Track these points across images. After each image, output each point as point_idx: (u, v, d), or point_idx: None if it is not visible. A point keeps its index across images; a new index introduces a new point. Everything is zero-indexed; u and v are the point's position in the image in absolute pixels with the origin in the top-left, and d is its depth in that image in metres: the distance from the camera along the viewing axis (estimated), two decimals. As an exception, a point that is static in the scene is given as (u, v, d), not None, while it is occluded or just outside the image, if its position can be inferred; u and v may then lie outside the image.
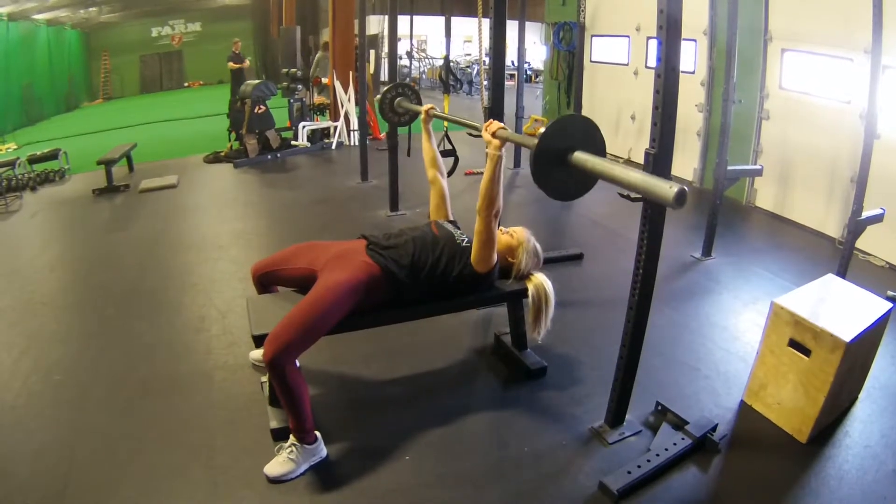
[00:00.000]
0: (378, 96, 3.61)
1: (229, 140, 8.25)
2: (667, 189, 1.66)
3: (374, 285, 2.41)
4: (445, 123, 5.05)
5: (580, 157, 1.91)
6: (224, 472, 2.32)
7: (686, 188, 1.65)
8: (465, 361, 3.14)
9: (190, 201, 6.19)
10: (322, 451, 2.37)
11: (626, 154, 7.96)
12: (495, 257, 2.54)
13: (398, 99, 3.52)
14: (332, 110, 9.31)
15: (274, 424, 2.51)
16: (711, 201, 4.41)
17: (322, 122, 9.16)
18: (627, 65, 7.80)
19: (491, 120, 2.43)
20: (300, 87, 9.08)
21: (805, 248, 4.88)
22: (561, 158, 1.93)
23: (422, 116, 3.17)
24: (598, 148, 2.04)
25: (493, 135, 2.39)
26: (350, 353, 3.11)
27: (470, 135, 4.01)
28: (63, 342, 3.35)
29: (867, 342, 2.57)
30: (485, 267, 2.52)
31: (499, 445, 2.50)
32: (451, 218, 2.97)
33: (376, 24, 13.11)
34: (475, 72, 17.09)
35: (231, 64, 12.39)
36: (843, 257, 3.81)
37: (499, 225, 2.62)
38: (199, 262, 4.51)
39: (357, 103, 8.22)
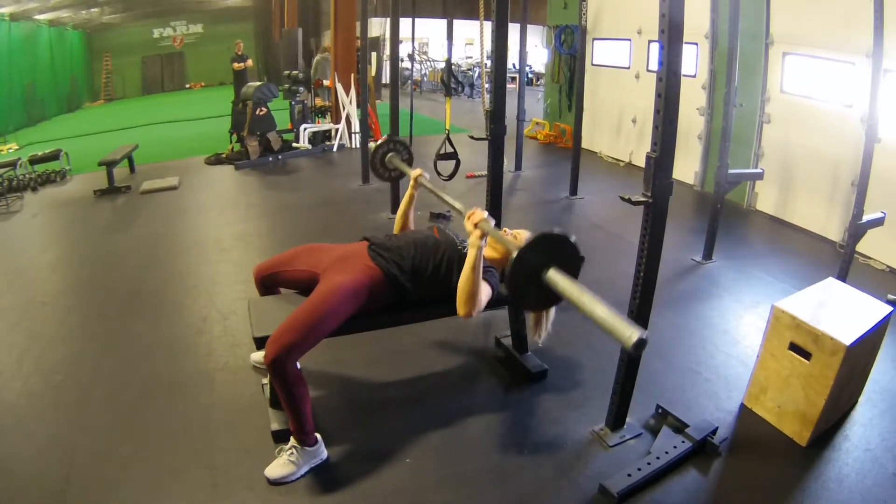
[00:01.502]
0: (372, 144, 3.56)
1: (230, 142, 8.26)
2: (628, 335, 1.63)
3: (376, 288, 2.41)
4: (447, 126, 5.06)
5: (553, 277, 1.93)
6: (224, 474, 2.32)
7: (645, 338, 1.62)
8: (466, 364, 3.14)
9: (191, 203, 6.19)
10: (323, 453, 2.37)
11: (627, 157, 7.97)
12: (481, 307, 2.39)
13: (390, 154, 3.50)
14: (334, 113, 9.32)
15: (275, 426, 2.51)
16: (712, 205, 4.42)
17: (323, 125, 9.17)
18: (629, 68, 7.82)
19: (475, 208, 2.32)
20: (301, 89, 9.09)
21: (806, 252, 4.88)
22: (536, 274, 1.95)
23: (410, 182, 3.03)
24: (574, 267, 2.05)
25: (475, 225, 2.26)
26: (351, 356, 3.12)
27: (471, 137, 4.01)
28: (64, 343, 3.35)
29: (867, 346, 2.57)
30: (465, 315, 2.38)
31: (499, 448, 2.50)
32: (412, 227, 2.96)
33: (378, 26, 13.11)
34: (477, 75, 17.10)
35: (235, 65, 12.42)
36: (843, 261, 3.81)
37: (502, 227, 2.62)
38: (201, 263, 4.51)
39: (358, 106, 8.23)
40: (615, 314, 1.70)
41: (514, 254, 1.92)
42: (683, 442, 2.44)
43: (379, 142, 3.45)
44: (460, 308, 2.31)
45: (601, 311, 1.74)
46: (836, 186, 5.10)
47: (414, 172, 3.03)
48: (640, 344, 1.62)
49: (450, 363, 3.14)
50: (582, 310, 1.80)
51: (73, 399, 2.81)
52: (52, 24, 15.61)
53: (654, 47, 2.17)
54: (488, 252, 2.64)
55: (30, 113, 13.42)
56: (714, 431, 2.49)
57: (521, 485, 2.29)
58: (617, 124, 8.13)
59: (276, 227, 5.48)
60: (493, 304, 2.91)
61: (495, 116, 3.34)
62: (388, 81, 6.15)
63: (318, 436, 2.37)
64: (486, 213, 2.28)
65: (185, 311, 3.71)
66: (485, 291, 2.36)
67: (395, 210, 5.49)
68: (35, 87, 13.99)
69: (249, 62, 12.71)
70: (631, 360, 2.43)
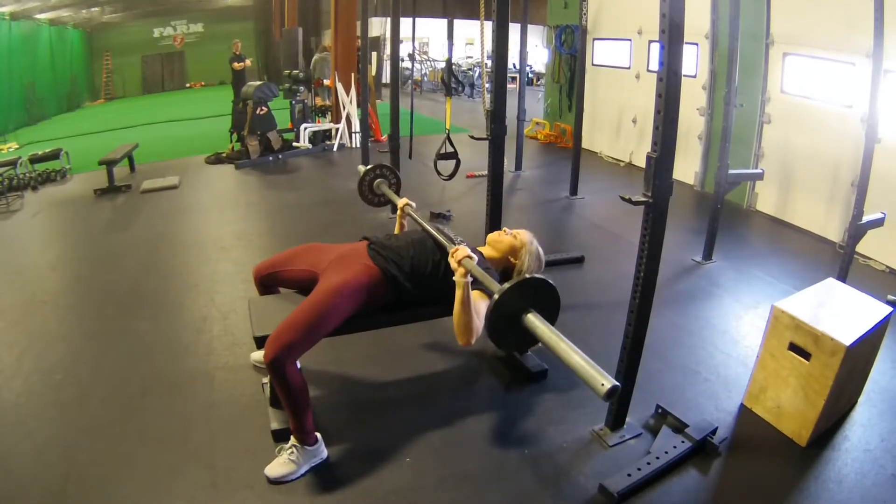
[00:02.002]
0: (361, 168, 3.60)
1: (231, 141, 8.26)
2: (599, 385, 1.70)
3: (376, 287, 2.41)
4: (447, 125, 5.06)
5: (531, 321, 1.98)
6: (224, 473, 2.32)
7: (618, 386, 1.69)
8: (466, 364, 3.14)
9: (191, 202, 6.19)
10: (322, 452, 2.37)
11: (627, 157, 7.97)
12: (481, 327, 2.39)
13: (378, 181, 3.52)
14: (334, 112, 9.33)
15: (275, 425, 2.52)
16: (712, 205, 4.42)
17: (324, 124, 9.17)
18: (629, 68, 7.82)
19: (457, 246, 2.33)
20: (302, 88, 9.09)
21: (806, 252, 4.88)
22: (515, 316, 2.01)
23: (398, 211, 3.05)
24: (552, 311, 2.12)
25: (459, 262, 2.28)
26: (351, 355, 3.12)
27: (472, 137, 4.02)
28: (64, 341, 3.35)
29: (867, 346, 2.58)
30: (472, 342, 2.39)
31: (499, 447, 2.50)
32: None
33: (378, 26, 13.11)
34: (477, 74, 17.10)
35: (235, 65, 12.42)
36: (843, 261, 3.82)
37: (502, 227, 2.62)
38: (201, 262, 4.52)
39: (359, 105, 8.23)
40: (589, 363, 1.77)
41: (496, 296, 1.99)
42: (683, 442, 2.45)
43: (367, 167, 3.48)
44: (458, 338, 2.34)
45: (576, 359, 1.80)
46: (836, 187, 5.10)
47: (400, 202, 3.06)
48: (612, 392, 1.68)
49: (450, 362, 3.14)
50: (558, 356, 1.86)
51: (73, 398, 2.81)
52: (52, 24, 15.61)
53: (655, 47, 2.17)
54: (488, 252, 2.64)
55: (30, 112, 13.42)
56: (714, 431, 2.49)
57: (521, 484, 2.29)
58: (617, 124, 8.13)
59: (276, 227, 5.48)
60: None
61: (495, 116, 3.34)
62: (388, 81, 6.15)
63: (318, 435, 2.37)
64: (469, 250, 2.30)
65: (185, 311, 3.71)
66: (482, 308, 2.35)
67: (395, 210, 5.48)
68: (35, 86, 13.99)
69: (248, 62, 12.71)
70: (631, 360, 2.43)
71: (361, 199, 3.58)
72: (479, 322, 2.33)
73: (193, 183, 6.96)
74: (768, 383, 2.65)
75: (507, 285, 2.01)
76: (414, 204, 3.04)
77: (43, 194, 6.59)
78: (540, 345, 2.02)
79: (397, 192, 3.57)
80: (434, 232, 2.60)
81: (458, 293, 2.28)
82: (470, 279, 2.28)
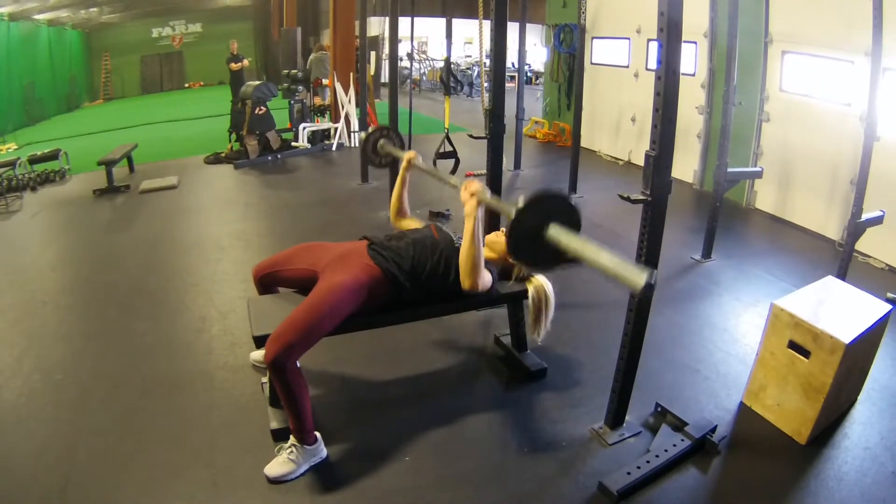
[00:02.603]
0: (363, 133, 3.56)
1: (230, 141, 8.26)
2: (636, 279, 1.62)
3: (375, 287, 2.41)
4: (446, 124, 5.06)
5: (554, 233, 1.91)
6: (224, 473, 2.32)
7: (654, 281, 1.62)
8: (466, 363, 3.14)
9: (190, 202, 6.19)
10: (322, 451, 2.38)
11: (626, 156, 7.97)
12: (483, 281, 2.46)
13: (381, 141, 3.49)
14: (333, 112, 9.32)
15: (274, 425, 2.52)
16: (711, 203, 4.42)
17: (323, 124, 9.17)
18: (628, 67, 7.82)
19: (470, 179, 2.35)
20: (301, 88, 9.08)
21: (805, 250, 4.88)
22: (536, 233, 1.93)
23: (402, 164, 3.00)
24: (574, 223, 2.01)
25: (471, 195, 2.30)
26: (351, 354, 3.12)
27: (470, 136, 4.02)
28: (64, 342, 3.35)
29: (866, 344, 2.58)
30: (471, 287, 2.45)
31: (499, 446, 2.50)
32: (409, 213, 3.02)
33: (377, 25, 13.10)
34: (476, 74, 17.10)
35: (232, 65, 12.41)
36: (842, 259, 3.82)
37: (500, 227, 2.62)
38: (200, 262, 4.52)
39: (357, 105, 8.23)
40: (621, 260, 1.69)
41: (512, 214, 1.91)
42: (683, 440, 2.45)
43: (370, 129, 3.45)
44: (465, 280, 2.37)
45: (606, 258, 1.72)
46: (835, 185, 5.10)
47: (407, 154, 3.02)
48: (649, 287, 1.61)
49: (449, 362, 3.14)
50: (587, 260, 1.78)
51: (73, 398, 2.81)
52: (51, 24, 15.59)
53: (653, 46, 2.17)
54: (486, 253, 2.64)
55: (29, 112, 13.41)
56: (713, 430, 2.50)
57: (521, 483, 2.29)
58: (616, 123, 8.13)
59: (276, 227, 5.48)
60: (492, 302, 2.93)
61: (494, 115, 3.34)
62: (387, 80, 6.15)
63: (318, 434, 2.37)
64: (482, 184, 2.32)
65: (184, 311, 3.71)
66: (488, 278, 2.40)
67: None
68: (34, 87, 13.99)
69: (246, 62, 12.71)
70: (630, 358, 2.43)
71: (366, 161, 3.52)
72: (486, 277, 2.40)
73: (192, 183, 6.96)
74: (768, 381, 2.65)
75: (522, 202, 1.94)
76: (420, 157, 3.03)
77: (42, 195, 6.58)
78: (567, 260, 1.91)
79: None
80: (443, 175, 2.61)
81: (469, 227, 2.30)
82: (481, 213, 2.31)
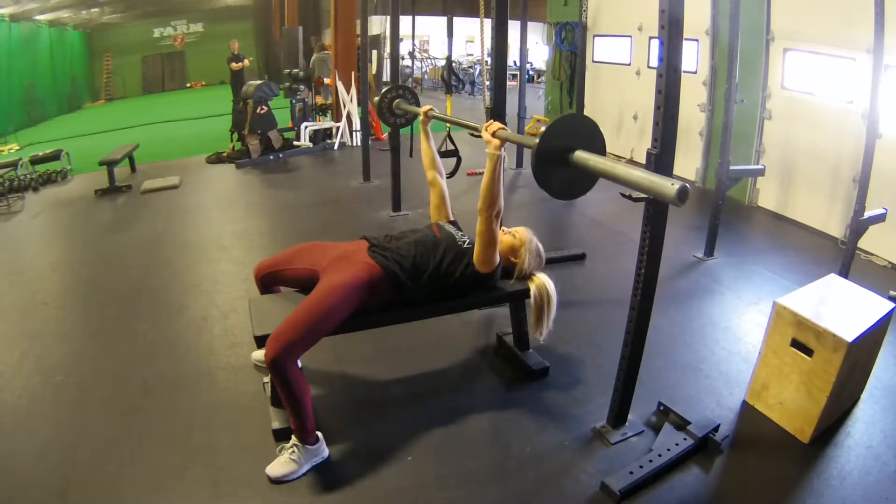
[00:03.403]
0: (377, 98, 3.59)
1: (231, 140, 8.26)
2: (668, 186, 1.68)
3: (376, 286, 2.41)
4: (448, 124, 5.05)
5: (581, 156, 1.90)
6: (226, 473, 2.32)
7: (688, 185, 1.66)
8: (468, 362, 3.14)
9: (192, 202, 6.20)
10: (324, 451, 2.37)
11: (628, 154, 7.95)
12: (498, 257, 2.54)
13: (397, 101, 3.51)
14: (335, 111, 9.32)
15: (276, 425, 2.51)
16: (714, 201, 4.41)
17: (324, 123, 9.17)
18: (629, 65, 7.80)
19: (491, 120, 2.43)
20: (302, 87, 9.09)
21: (807, 248, 4.87)
22: (562, 157, 1.91)
23: (420, 118, 3.15)
24: (599, 147, 2.02)
25: (493, 134, 2.40)
26: (352, 354, 3.12)
27: (472, 135, 4.01)
28: (65, 342, 3.35)
29: (869, 342, 2.57)
30: (488, 267, 2.52)
31: (501, 446, 2.50)
32: (452, 218, 2.98)
33: (378, 24, 13.11)
34: (477, 72, 17.09)
35: (233, 65, 12.42)
36: (845, 257, 3.81)
37: (501, 225, 2.62)
38: (202, 262, 4.52)
39: (359, 104, 8.23)
40: (651, 174, 1.76)
41: (537, 141, 1.92)
42: (685, 439, 2.44)
43: (384, 90, 3.49)
44: (482, 208, 2.43)
45: (638, 174, 1.79)
46: (837, 183, 5.09)
47: (423, 108, 3.15)
48: (683, 192, 1.65)
49: (451, 361, 3.14)
50: (618, 177, 1.82)
51: (75, 399, 2.81)
52: (52, 25, 15.62)
53: (655, 44, 2.16)
54: None
55: (30, 113, 13.44)
56: (716, 428, 2.49)
57: (523, 482, 2.28)
58: (618, 121, 8.11)
59: (277, 226, 5.48)
60: (494, 301, 2.92)
61: (496, 114, 3.33)
62: (388, 79, 6.14)
63: (320, 434, 2.37)
64: (501, 123, 2.41)
65: (185, 311, 3.71)
66: (498, 236, 2.50)
67: (396, 208, 5.50)
68: (35, 88, 14.02)
69: (247, 62, 12.71)
70: (632, 357, 2.42)
71: (382, 121, 3.56)
72: (501, 203, 2.47)
73: (194, 183, 6.96)
74: (770, 380, 2.64)
75: (544, 129, 1.94)
76: (437, 109, 3.16)
77: (44, 195, 6.59)
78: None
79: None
80: (461, 120, 2.67)
81: (490, 166, 2.40)
82: (503, 152, 2.41)
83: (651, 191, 1.72)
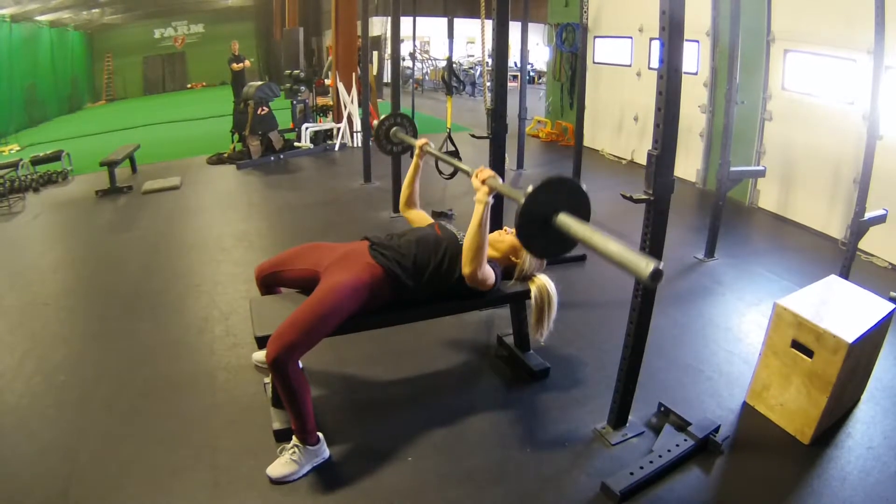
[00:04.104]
0: (376, 122, 3.58)
1: (232, 141, 8.27)
2: (643, 266, 1.63)
3: (377, 287, 2.41)
4: (449, 124, 5.06)
5: (563, 220, 1.91)
6: (227, 473, 2.32)
7: (661, 268, 1.62)
8: (468, 363, 3.14)
9: (193, 203, 6.20)
10: (325, 452, 2.38)
11: (629, 155, 7.96)
12: (493, 279, 2.51)
13: (394, 129, 3.50)
14: (335, 112, 9.33)
15: (276, 425, 2.51)
16: (714, 202, 4.41)
17: (325, 124, 9.18)
18: (630, 66, 7.81)
19: (482, 167, 2.38)
20: (303, 88, 9.09)
21: (808, 249, 4.87)
22: (545, 219, 1.93)
23: (415, 151, 3.05)
24: (583, 211, 2.01)
25: (483, 182, 2.32)
26: (353, 354, 3.12)
27: (473, 136, 4.01)
28: (66, 343, 3.36)
29: (870, 343, 2.57)
30: (485, 289, 2.52)
31: (501, 446, 2.50)
32: (418, 204, 3.03)
33: (379, 25, 13.12)
34: (478, 73, 17.10)
35: (234, 66, 12.42)
36: (845, 258, 3.81)
37: (503, 226, 2.62)
38: (203, 263, 4.52)
39: (360, 105, 8.23)
40: (629, 249, 1.70)
41: (522, 199, 1.91)
42: (686, 440, 2.44)
43: (383, 116, 3.47)
44: (466, 265, 2.37)
45: (615, 248, 1.73)
46: (837, 184, 5.09)
47: (419, 142, 3.06)
48: (656, 275, 1.61)
49: (452, 361, 3.14)
50: (595, 248, 1.78)
51: (75, 399, 2.81)
52: (52, 25, 15.62)
53: (656, 45, 2.17)
54: (490, 251, 2.64)
55: (31, 114, 13.43)
56: (716, 429, 2.49)
57: (524, 483, 2.29)
58: (619, 122, 8.12)
59: (278, 227, 5.48)
60: (495, 302, 2.92)
61: (496, 115, 3.34)
62: (389, 80, 6.14)
63: (321, 435, 2.37)
64: (493, 171, 2.34)
65: (186, 311, 3.71)
66: (489, 272, 2.42)
67: (396, 209, 5.49)
68: (36, 88, 14.00)
69: (247, 62, 12.72)
70: (633, 358, 2.43)
71: (378, 148, 3.55)
72: (488, 270, 2.41)
73: (195, 183, 6.96)
74: (771, 381, 2.64)
75: (531, 188, 1.92)
76: (432, 144, 3.07)
77: (44, 196, 6.59)
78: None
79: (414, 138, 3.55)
80: (454, 161, 2.62)
81: (478, 212, 2.33)
82: (492, 200, 2.34)
83: (625, 268, 1.70)
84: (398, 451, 2.44)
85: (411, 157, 3.05)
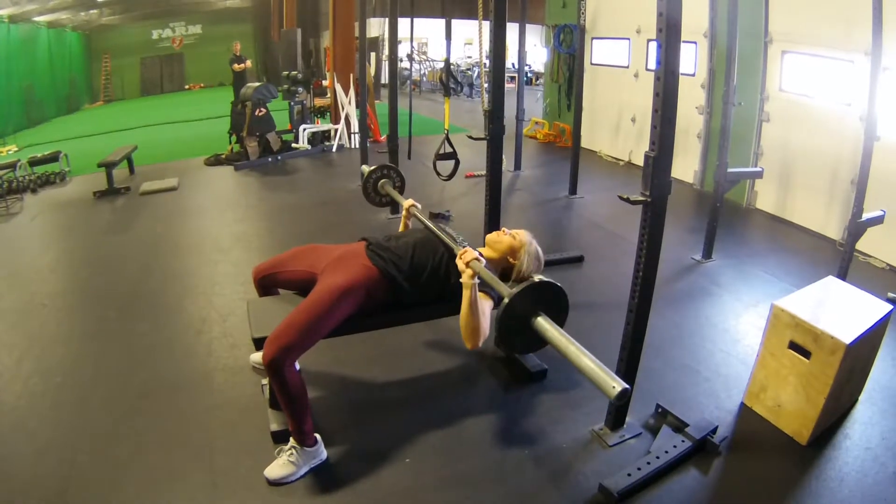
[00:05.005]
0: (365, 168, 3.60)
1: (230, 142, 8.26)
2: (610, 387, 1.73)
3: (374, 288, 2.41)
4: (446, 125, 5.06)
5: (541, 324, 2.00)
6: (224, 474, 2.32)
7: (629, 388, 1.73)
8: (466, 364, 3.14)
9: (191, 204, 6.19)
10: (322, 453, 2.37)
11: (626, 156, 7.97)
12: (488, 327, 2.39)
13: (382, 181, 3.52)
14: (333, 113, 9.33)
15: (274, 427, 2.51)
16: (712, 203, 4.41)
17: (322, 125, 9.17)
18: (628, 67, 7.82)
19: (466, 248, 2.33)
20: (301, 89, 9.09)
21: (805, 250, 4.88)
22: (525, 320, 2.02)
23: (402, 212, 3.04)
24: (560, 313, 2.16)
25: (467, 264, 2.28)
26: (350, 356, 3.12)
27: (470, 137, 4.02)
28: (64, 344, 3.35)
29: (867, 344, 2.57)
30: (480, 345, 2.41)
31: (499, 447, 2.50)
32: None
33: (377, 26, 13.12)
34: (476, 74, 17.11)
35: (235, 66, 12.43)
36: (843, 259, 3.81)
37: (501, 227, 2.62)
38: (200, 264, 4.51)
39: (357, 106, 8.23)
40: (599, 366, 1.80)
41: (506, 299, 2.01)
42: (683, 441, 2.44)
43: (371, 168, 3.48)
44: (466, 341, 2.32)
45: (586, 362, 1.83)
46: (835, 185, 5.10)
47: (406, 203, 3.04)
48: (623, 395, 1.71)
49: (449, 363, 3.14)
50: (568, 358, 1.88)
51: (73, 400, 2.81)
52: (50, 26, 15.60)
53: (653, 46, 2.17)
54: (487, 252, 2.64)
55: (29, 115, 13.41)
56: (714, 430, 2.49)
57: (521, 484, 2.29)
58: (616, 123, 8.12)
59: (276, 228, 5.48)
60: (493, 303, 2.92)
61: (494, 116, 3.33)
62: (387, 81, 6.14)
63: (318, 436, 2.37)
64: (476, 253, 2.30)
65: (184, 312, 3.71)
66: (487, 309, 2.36)
67: (394, 211, 5.49)
68: (34, 89, 13.98)
69: (248, 63, 12.73)
70: (630, 359, 2.43)
71: (366, 198, 3.57)
72: (485, 323, 2.33)
73: (192, 185, 6.96)
74: (768, 382, 2.64)
75: (515, 290, 2.01)
76: (419, 205, 3.03)
77: (42, 197, 6.58)
78: (547, 346, 2.04)
79: (401, 193, 3.57)
80: (440, 233, 2.59)
81: (466, 294, 2.27)
82: (477, 281, 2.28)
83: (593, 382, 1.79)
84: (396, 453, 2.44)
85: (393, 212, 3.03)
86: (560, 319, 2.13)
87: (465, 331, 2.30)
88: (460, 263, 2.29)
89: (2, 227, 5.59)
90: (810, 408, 2.46)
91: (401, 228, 3.03)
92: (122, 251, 4.81)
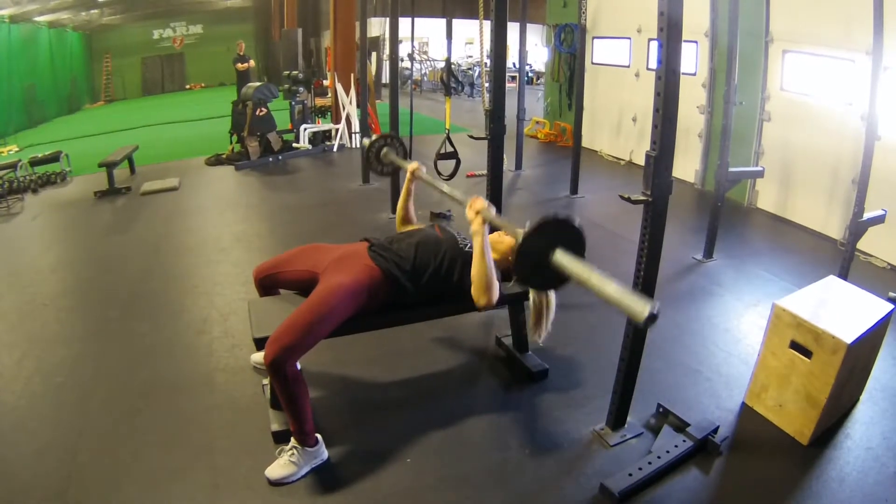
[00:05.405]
0: (367, 141, 3.55)
1: (231, 142, 8.26)
2: (640, 309, 1.67)
3: (376, 288, 2.41)
4: (447, 125, 5.06)
5: (560, 258, 1.93)
6: (225, 474, 2.32)
7: (657, 312, 1.66)
8: (467, 364, 3.14)
9: (191, 203, 6.19)
10: (323, 453, 2.37)
11: (627, 156, 7.96)
12: (497, 295, 2.41)
13: (385, 149, 3.49)
14: (334, 113, 9.33)
15: (275, 427, 2.51)
16: (713, 203, 4.41)
17: (323, 125, 9.17)
18: (629, 66, 7.81)
19: (476, 196, 2.34)
20: (301, 89, 9.09)
21: (806, 250, 4.87)
22: (542, 257, 1.95)
23: (406, 175, 2.96)
24: (579, 248, 2.03)
25: (476, 213, 2.29)
26: (351, 356, 3.12)
27: (471, 136, 4.01)
28: (65, 344, 3.35)
29: (868, 344, 2.57)
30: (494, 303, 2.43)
31: (500, 448, 2.50)
32: (414, 220, 2.97)
33: (377, 26, 13.11)
34: (477, 74, 17.10)
35: (239, 65, 12.43)
36: (844, 259, 3.81)
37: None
38: (201, 264, 4.51)
39: (358, 105, 8.23)
40: (625, 291, 1.73)
41: (520, 238, 1.93)
42: (685, 441, 2.44)
43: (374, 137, 3.43)
44: (479, 298, 2.34)
45: (611, 288, 1.76)
46: (836, 184, 5.10)
47: (410, 166, 2.98)
48: (652, 318, 1.65)
49: (450, 363, 3.14)
50: (592, 289, 1.80)
51: (74, 400, 2.81)
52: (51, 26, 15.61)
53: (654, 46, 2.17)
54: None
55: (30, 115, 13.42)
56: (715, 430, 2.49)
57: (522, 484, 2.29)
58: (617, 123, 8.12)
59: (277, 228, 5.48)
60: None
61: (495, 115, 3.34)
62: (387, 81, 6.14)
63: (319, 436, 2.37)
64: (486, 202, 2.31)
65: (185, 313, 3.71)
66: (496, 283, 2.38)
67: (395, 210, 5.48)
68: (35, 89, 13.99)
69: (252, 62, 12.74)
70: (631, 359, 2.43)
71: (369, 169, 3.51)
72: (496, 288, 2.35)
73: (193, 184, 6.96)
74: (770, 382, 2.64)
75: (529, 227, 1.95)
76: (424, 168, 2.98)
77: (43, 197, 6.59)
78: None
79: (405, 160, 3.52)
80: (447, 189, 2.59)
81: (478, 244, 2.30)
82: (487, 230, 2.30)
83: (621, 308, 1.72)
84: (397, 453, 2.44)
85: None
86: (579, 253, 2.02)
87: (478, 285, 2.32)
88: (470, 212, 2.32)
89: (3, 227, 5.59)
90: (811, 407, 2.46)
91: (402, 193, 2.98)
92: (122, 251, 4.81)
